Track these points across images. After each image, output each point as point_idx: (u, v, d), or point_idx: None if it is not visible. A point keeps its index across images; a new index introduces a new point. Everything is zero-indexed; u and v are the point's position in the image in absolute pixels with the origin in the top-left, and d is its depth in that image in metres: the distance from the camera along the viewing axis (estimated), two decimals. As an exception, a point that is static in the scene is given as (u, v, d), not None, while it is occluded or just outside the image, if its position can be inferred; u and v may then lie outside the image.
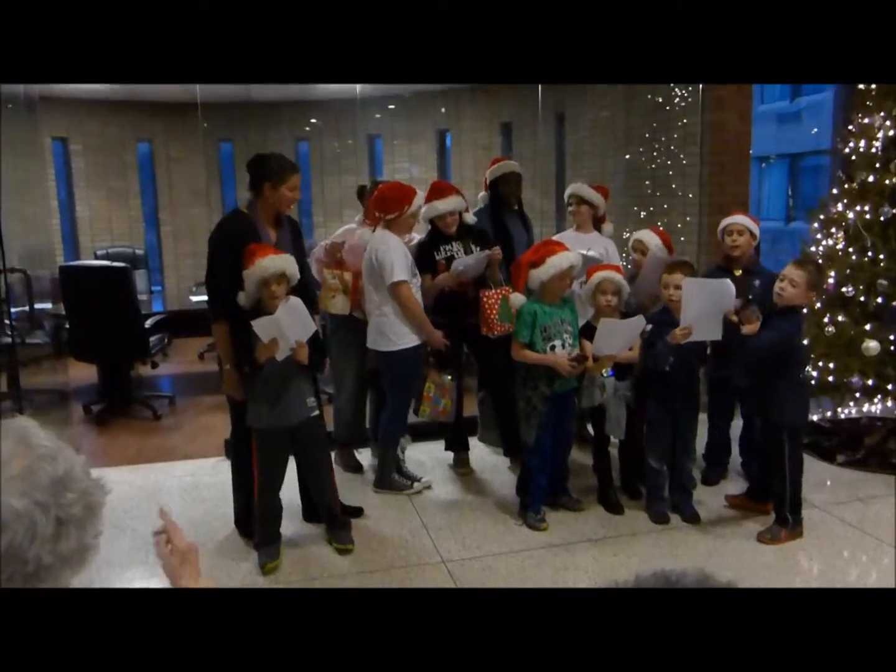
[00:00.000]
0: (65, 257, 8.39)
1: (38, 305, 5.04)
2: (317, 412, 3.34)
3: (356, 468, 4.37)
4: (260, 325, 3.01)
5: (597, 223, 4.43)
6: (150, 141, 9.16)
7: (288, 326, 3.05)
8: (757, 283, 3.80)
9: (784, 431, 3.41)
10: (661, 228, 4.52)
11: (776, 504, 3.51)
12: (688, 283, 3.38)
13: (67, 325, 5.39)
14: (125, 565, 3.36)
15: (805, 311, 3.71)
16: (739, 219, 3.92)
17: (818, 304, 4.46)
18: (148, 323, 5.59)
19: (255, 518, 3.38)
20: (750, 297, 3.71)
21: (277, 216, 3.41)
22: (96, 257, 7.82)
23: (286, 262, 3.13)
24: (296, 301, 3.10)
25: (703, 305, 3.32)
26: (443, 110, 8.90)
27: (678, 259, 3.82)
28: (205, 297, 7.32)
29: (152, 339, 5.59)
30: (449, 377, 3.98)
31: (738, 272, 3.84)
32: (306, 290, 3.45)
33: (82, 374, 5.97)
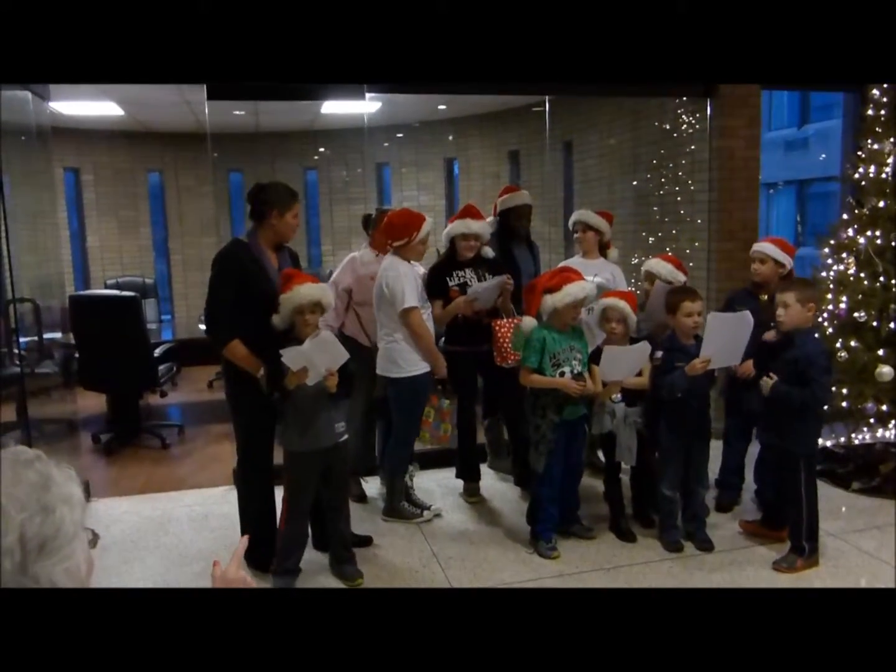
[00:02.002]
0: (75, 287, 8.45)
1: (47, 335, 5.05)
2: (346, 437, 3.36)
3: (360, 497, 4.33)
4: (289, 355, 3.03)
5: (602, 249, 4.43)
6: (161, 171, 9.26)
7: (317, 357, 3.07)
8: None
9: (801, 459, 3.37)
10: (669, 254, 4.51)
11: (792, 532, 3.46)
12: (713, 317, 3.44)
13: (77, 355, 5.40)
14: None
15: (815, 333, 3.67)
16: (763, 247, 3.91)
17: (830, 330, 4.43)
18: (157, 352, 5.60)
19: (278, 543, 3.34)
20: (773, 324, 3.69)
21: (278, 245, 3.43)
22: (107, 287, 7.87)
23: (323, 292, 3.16)
24: (326, 335, 3.13)
25: (725, 337, 3.40)
26: (450, 138, 8.96)
27: (687, 287, 3.80)
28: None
29: (161, 368, 5.59)
30: (447, 401, 3.97)
31: (765, 297, 3.84)
32: None
33: (91, 403, 5.97)
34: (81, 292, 7.31)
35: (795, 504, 3.40)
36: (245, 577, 1.38)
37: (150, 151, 9.05)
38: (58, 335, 5.58)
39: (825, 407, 3.50)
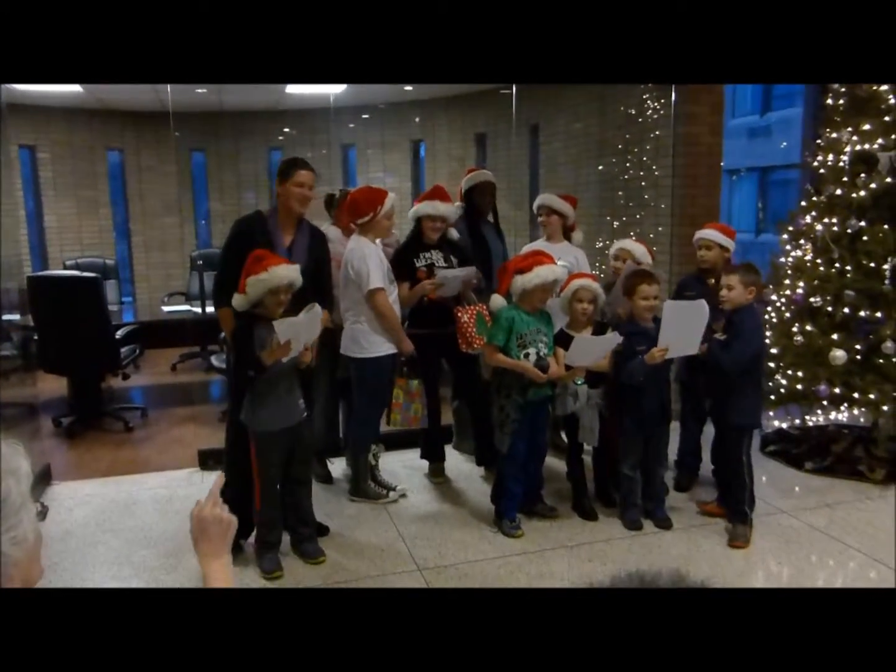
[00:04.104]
0: (32, 268, 8.26)
1: (5, 317, 4.95)
2: (306, 413, 3.39)
3: (326, 478, 4.34)
4: (281, 327, 3.05)
5: (566, 232, 4.48)
6: (121, 150, 9.07)
7: (305, 331, 3.13)
8: None
9: (745, 433, 3.55)
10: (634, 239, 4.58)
11: (735, 502, 3.60)
12: (668, 305, 3.47)
13: (36, 337, 5.31)
14: (98, 581, 3.31)
15: (759, 308, 3.81)
16: (707, 233, 3.99)
17: (787, 314, 4.54)
18: (119, 334, 5.53)
19: (259, 521, 3.36)
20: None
21: (299, 222, 3.44)
22: (65, 268, 7.71)
23: (296, 273, 3.17)
24: (318, 309, 3.15)
25: (681, 325, 3.44)
26: (417, 120, 8.93)
27: (646, 269, 3.86)
28: (177, 308, 7.21)
29: (123, 350, 5.52)
30: (416, 381, 3.99)
31: (712, 281, 3.94)
32: (324, 295, 3.50)
33: (52, 386, 5.88)
34: (40, 273, 7.16)
35: (738, 474, 3.56)
36: (221, 515, 1.37)
37: (110, 129, 8.86)
38: (16, 317, 5.47)
39: (755, 382, 3.60)
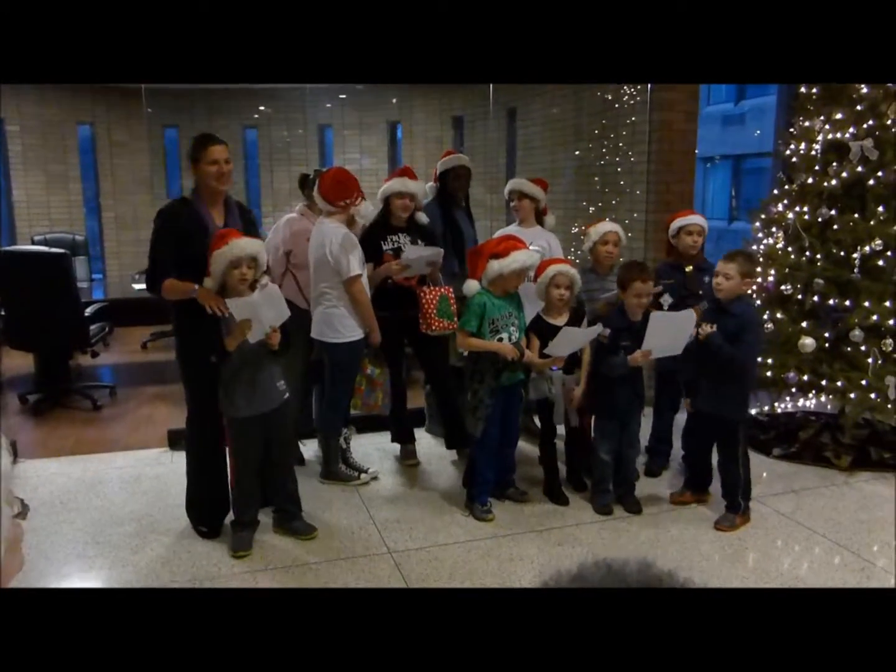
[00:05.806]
0: (0, 243, 8.10)
1: (-29, 292, 4.87)
2: (287, 395, 3.36)
3: (298, 461, 4.31)
4: (235, 306, 3.03)
5: (539, 216, 4.46)
6: (92, 124, 8.89)
7: (264, 311, 3.08)
8: (707, 279, 3.93)
9: (739, 424, 3.54)
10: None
11: (729, 493, 3.62)
12: (655, 316, 3.45)
13: (3, 313, 5.22)
14: (62, 559, 3.27)
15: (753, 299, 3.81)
16: (698, 219, 4.01)
17: (758, 302, 4.58)
18: (88, 311, 5.45)
19: (233, 501, 3.38)
20: (700, 292, 3.84)
21: (226, 202, 3.35)
22: (34, 243, 7.56)
23: (261, 247, 3.16)
24: (274, 288, 3.14)
25: (667, 334, 3.45)
26: (394, 101, 8.86)
27: (641, 263, 3.84)
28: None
29: (92, 327, 5.45)
30: (378, 370, 3.99)
31: (689, 268, 3.96)
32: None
33: (18, 363, 5.79)
34: (8, 248, 7.02)
35: (733, 467, 3.57)
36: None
37: (81, 103, 8.68)
38: (-18, 292, 5.37)
39: (753, 375, 3.62)
